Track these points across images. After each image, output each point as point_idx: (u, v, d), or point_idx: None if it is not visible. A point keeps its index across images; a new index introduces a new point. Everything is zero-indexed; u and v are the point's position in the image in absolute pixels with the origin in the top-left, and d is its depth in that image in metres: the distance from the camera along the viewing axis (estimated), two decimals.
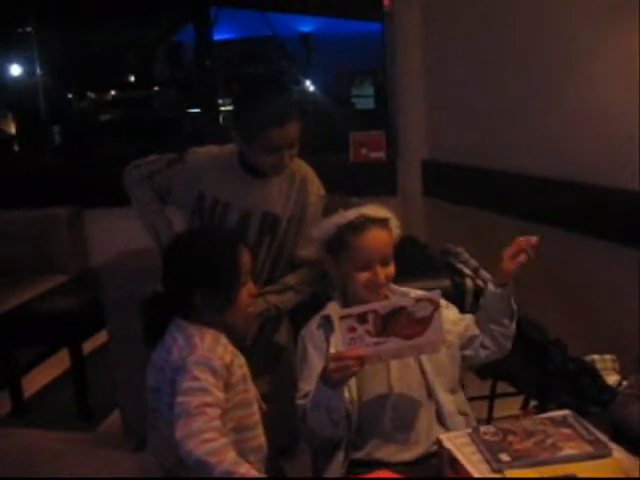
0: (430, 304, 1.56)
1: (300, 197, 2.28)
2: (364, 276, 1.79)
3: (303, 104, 5.69)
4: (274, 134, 2.06)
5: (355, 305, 1.66)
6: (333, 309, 1.85)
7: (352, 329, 1.53)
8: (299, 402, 1.75)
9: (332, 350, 1.76)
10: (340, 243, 1.83)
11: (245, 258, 1.75)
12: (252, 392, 1.73)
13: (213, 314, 1.70)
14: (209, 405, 1.50)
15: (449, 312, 1.87)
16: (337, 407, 1.64)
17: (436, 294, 1.59)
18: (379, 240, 1.82)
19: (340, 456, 1.73)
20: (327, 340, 1.80)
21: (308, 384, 1.75)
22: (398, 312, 1.54)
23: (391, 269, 1.83)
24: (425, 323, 1.56)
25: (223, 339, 1.68)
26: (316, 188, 2.31)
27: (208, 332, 1.66)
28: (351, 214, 1.82)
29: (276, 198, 2.25)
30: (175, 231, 2.31)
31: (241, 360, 1.71)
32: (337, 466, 1.72)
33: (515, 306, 1.83)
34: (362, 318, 1.52)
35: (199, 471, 1.44)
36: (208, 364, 1.57)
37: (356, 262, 1.80)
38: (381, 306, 1.56)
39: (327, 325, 1.83)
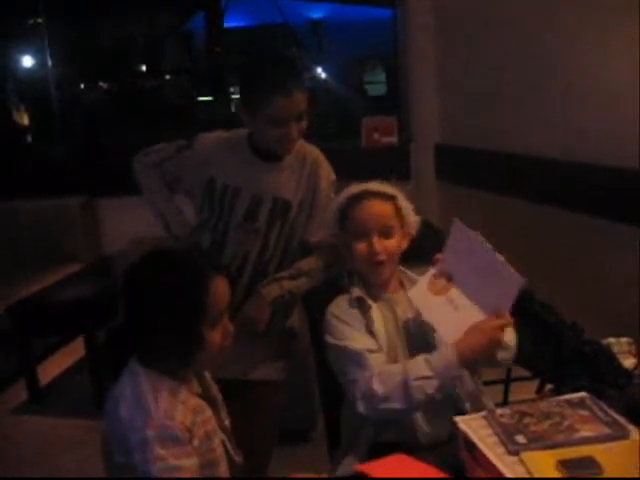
0: None
1: (311, 182, 2.25)
2: (361, 247, 1.79)
3: (314, 90, 5.66)
4: (280, 103, 2.03)
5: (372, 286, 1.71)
6: (360, 292, 1.83)
7: None
8: (366, 374, 1.65)
9: (376, 325, 1.75)
10: (343, 217, 1.85)
11: (219, 291, 1.47)
12: (219, 450, 1.53)
13: (176, 360, 1.48)
14: None
15: None
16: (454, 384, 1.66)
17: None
18: (376, 210, 1.81)
19: (367, 439, 1.72)
20: (365, 317, 1.77)
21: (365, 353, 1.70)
22: None
23: (392, 242, 1.80)
24: None
25: (182, 394, 1.46)
26: (327, 173, 2.28)
27: (163, 388, 1.44)
28: (354, 189, 1.85)
29: (287, 183, 2.22)
30: (185, 219, 2.31)
31: (205, 415, 1.50)
32: (363, 450, 1.72)
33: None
34: None
35: None
36: (169, 435, 1.38)
37: (354, 232, 1.81)
38: None
39: (363, 305, 1.80)
